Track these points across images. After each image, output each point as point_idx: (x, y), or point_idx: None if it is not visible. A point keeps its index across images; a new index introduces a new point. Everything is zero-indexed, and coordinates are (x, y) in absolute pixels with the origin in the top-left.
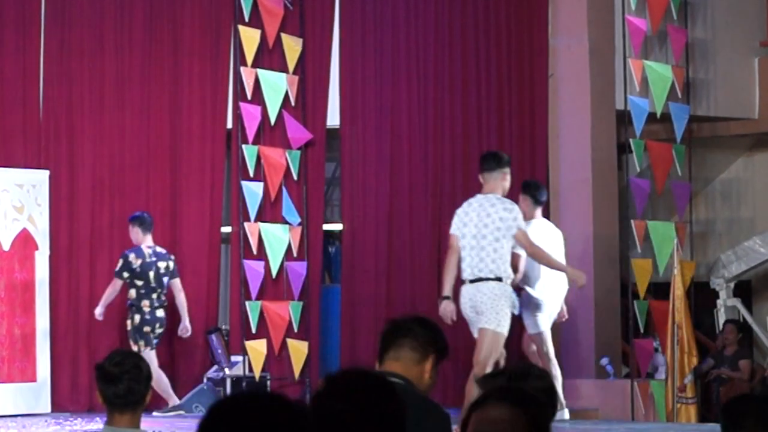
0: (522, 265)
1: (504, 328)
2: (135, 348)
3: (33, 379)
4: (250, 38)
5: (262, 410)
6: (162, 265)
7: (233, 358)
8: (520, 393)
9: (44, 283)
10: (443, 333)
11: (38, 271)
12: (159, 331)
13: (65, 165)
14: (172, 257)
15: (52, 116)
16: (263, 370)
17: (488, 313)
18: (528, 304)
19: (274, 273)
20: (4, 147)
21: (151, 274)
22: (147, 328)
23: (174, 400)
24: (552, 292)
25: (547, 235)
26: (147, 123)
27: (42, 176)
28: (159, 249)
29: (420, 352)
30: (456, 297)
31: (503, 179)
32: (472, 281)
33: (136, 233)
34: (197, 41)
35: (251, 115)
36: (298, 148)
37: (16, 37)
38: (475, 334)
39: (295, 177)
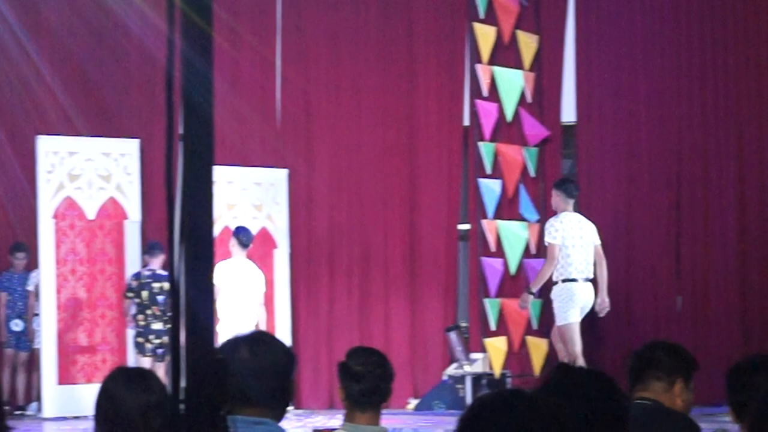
0: None
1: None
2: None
3: None
4: (485, 35)
5: (525, 408)
6: (156, 285)
7: (472, 356)
8: None
9: (284, 281)
10: (686, 353)
11: (277, 270)
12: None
13: (303, 163)
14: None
15: (290, 115)
16: (503, 367)
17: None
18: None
19: (512, 270)
20: (244, 146)
21: (144, 293)
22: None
23: None
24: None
25: None
26: (383, 121)
27: (281, 175)
28: (159, 271)
29: (666, 381)
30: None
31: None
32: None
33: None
34: (433, 39)
35: (488, 113)
36: (535, 145)
37: (254, 39)
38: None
39: (532, 174)
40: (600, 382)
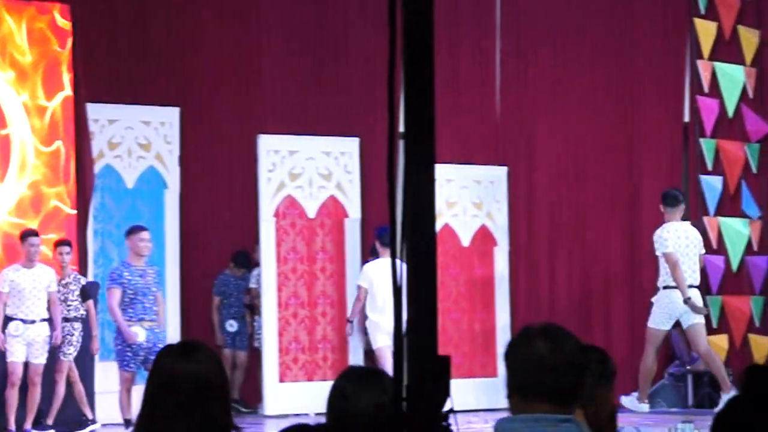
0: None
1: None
2: None
3: (494, 374)
4: (706, 31)
5: None
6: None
7: (694, 353)
8: None
9: (504, 279)
10: None
11: (497, 267)
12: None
13: (523, 161)
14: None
15: (509, 113)
16: (725, 365)
17: None
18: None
19: (734, 267)
20: (463, 144)
21: None
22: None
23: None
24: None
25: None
26: (603, 117)
27: (500, 172)
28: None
29: None
30: None
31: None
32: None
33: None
34: (653, 35)
35: (708, 109)
36: (757, 141)
37: (473, 36)
38: None
39: (754, 170)
40: None
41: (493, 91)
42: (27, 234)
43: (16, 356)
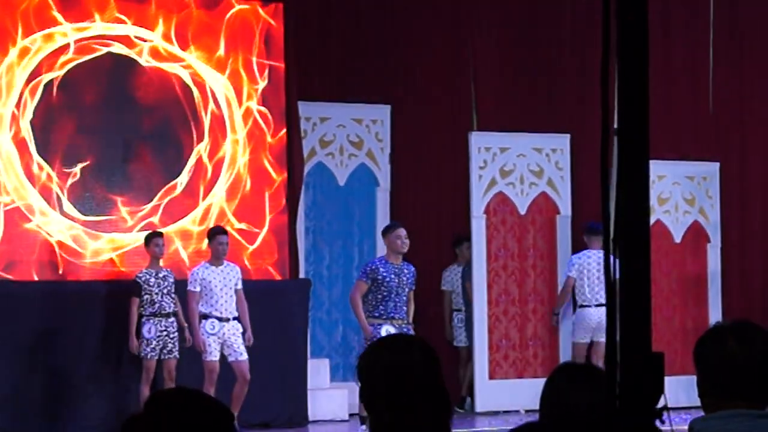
0: None
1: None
2: None
3: None
4: None
5: None
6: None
7: None
8: None
9: (716, 276)
10: None
11: (710, 264)
12: None
13: (736, 157)
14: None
15: (722, 108)
16: None
17: None
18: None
19: None
20: (676, 139)
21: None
22: None
23: None
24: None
25: None
26: None
27: (713, 168)
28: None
29: None
30: None
31: None
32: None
33: None
34: None
35: None
36: None
37: (686, 32)
38: None
39: None
40: None
41: (706, 86)
42: (216, 231)
43: (214, 355)
